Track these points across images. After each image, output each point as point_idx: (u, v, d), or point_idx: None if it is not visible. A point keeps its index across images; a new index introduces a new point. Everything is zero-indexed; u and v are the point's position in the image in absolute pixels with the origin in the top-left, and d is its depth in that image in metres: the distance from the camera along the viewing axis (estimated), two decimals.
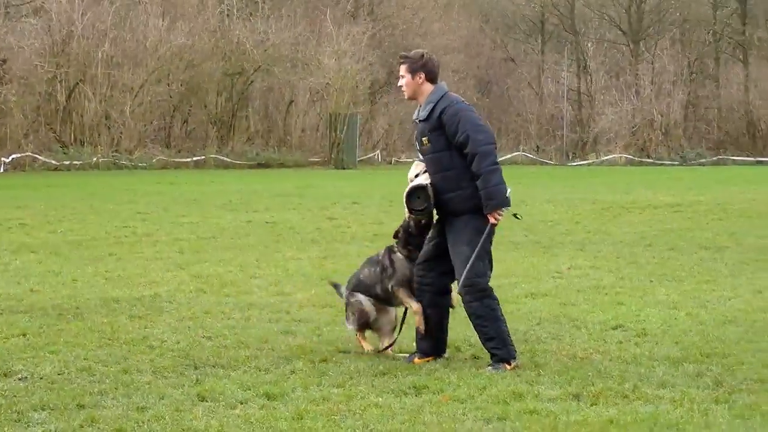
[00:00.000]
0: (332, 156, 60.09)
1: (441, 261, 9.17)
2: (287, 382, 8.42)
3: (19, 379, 8.40)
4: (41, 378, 8.46)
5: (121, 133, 55.68)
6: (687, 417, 7.34)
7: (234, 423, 7.22)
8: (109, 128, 55.51)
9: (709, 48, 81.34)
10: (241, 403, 7.77)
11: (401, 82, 9.34)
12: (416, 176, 9.32)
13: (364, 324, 9.69)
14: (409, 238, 9.45)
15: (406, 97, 9.38)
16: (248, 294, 13.00)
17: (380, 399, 7.86)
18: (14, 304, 12.04)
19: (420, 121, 9.21)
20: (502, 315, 9.07)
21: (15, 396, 7.86)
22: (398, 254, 9.52)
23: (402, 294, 9.43)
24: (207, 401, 7.82)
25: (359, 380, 8.48)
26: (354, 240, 19.64)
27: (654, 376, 8.57)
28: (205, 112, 61.53)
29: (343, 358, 9.29)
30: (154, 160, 54.65)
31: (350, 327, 9.79)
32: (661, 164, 67.86)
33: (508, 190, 8.95)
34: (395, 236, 9.60)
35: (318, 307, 11.99)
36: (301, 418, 7.33)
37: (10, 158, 50.00)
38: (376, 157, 65.99)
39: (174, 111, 60.71)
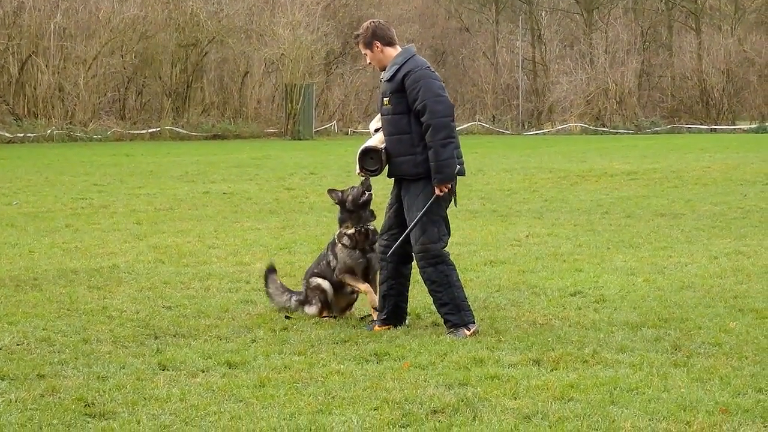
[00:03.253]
0: (288, 127, 59.92)
1: (404, 229, 9.17)
2: (248, 350, 8.42)
3: None
4: (0, 349, 8.42)
5: (75, 105, 55.23)
6: (646, 381, 7.41)
7: (196, 391, 7.22)
8: (62, 100, 55.05)
9: (662, 16, 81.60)
10: (203, 372, 7.77)
11: (367, 60, 9.41)
12: (376, 131, 9.36)
13: (325, 302, 9.77)
14: (344, 213, 9.66)
15: (380, 70, 9.38)
16: (207, 264, 12.97)
17: (342, 366, 7.87)
18: None
19: (385, 81, 9.21)
20: (458, 281, 9.09)
21: None
22: (338, 245, 9.65)
23: (348, 279, 9.66)
24: (168, 370, 7.81)
25: (320, 348, 8.50)
26: (312, 210, 19.63)
27: (613, 341, 8.64)
28: (160, 84, 61.11)
29: (303, 327, 9.30)
30: (108, 132, 54.25)
31: (312, 310, 9.83)
32: (616, 133, 68.13)
33: (458, 167, 8.95)
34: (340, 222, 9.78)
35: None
36: (263, 386, 7.34)
37: None
38: (332, 127, 65.81)
39: (128, 83, 60.27)
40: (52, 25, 54.72)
